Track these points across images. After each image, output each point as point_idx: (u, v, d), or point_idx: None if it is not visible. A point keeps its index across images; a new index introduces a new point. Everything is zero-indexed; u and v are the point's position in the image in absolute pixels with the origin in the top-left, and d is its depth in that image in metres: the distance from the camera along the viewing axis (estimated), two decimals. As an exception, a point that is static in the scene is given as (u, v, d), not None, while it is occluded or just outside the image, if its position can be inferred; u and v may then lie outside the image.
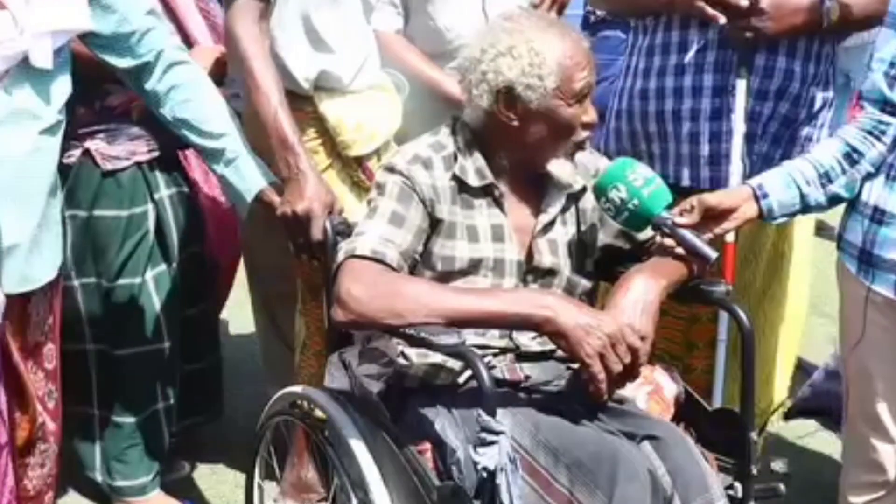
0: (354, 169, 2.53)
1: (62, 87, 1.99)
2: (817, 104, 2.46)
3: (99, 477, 2.79)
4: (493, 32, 1.95)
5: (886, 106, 2.04)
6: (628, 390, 1.93)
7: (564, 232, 2.04)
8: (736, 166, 2.42)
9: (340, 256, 1.90)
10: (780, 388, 2.84)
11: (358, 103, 2.52)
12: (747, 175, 2.38)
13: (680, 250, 1.97)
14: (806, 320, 2.96)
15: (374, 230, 1.90)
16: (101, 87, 2.56)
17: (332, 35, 2.45)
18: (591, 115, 1.96)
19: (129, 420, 2.74)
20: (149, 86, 2.16)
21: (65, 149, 2.25)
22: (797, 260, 2.64)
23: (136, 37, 2.10)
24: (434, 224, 1.95)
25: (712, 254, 1.94)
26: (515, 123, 1.94)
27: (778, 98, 2.41)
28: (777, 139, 2.44)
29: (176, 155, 2.75)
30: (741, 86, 2.39)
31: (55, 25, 1.90)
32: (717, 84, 2.41)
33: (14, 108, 1.90)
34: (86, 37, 2.04)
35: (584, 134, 1.97)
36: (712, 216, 2.01)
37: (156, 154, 2.68)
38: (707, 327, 2.56)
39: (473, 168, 1.97)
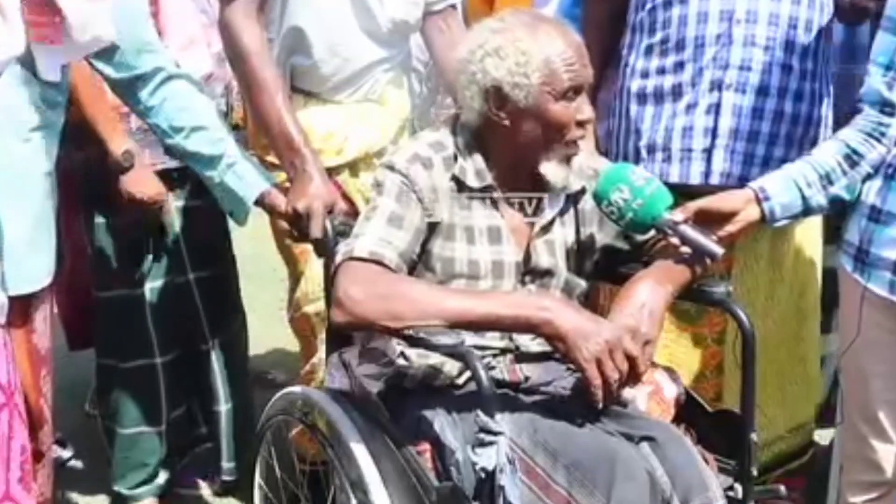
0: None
1: (61, 89, 1.99)
2: (817, 101, 2.46)
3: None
4: (482, 33, 1.94)
5: (885, 107, 2.04)
6: (628, 392, 1.93)
7: (563, 233, 2.04)
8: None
9: (338, 258, 1.90)
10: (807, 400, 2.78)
11: (335, 114, 2.48)
12: (738, 175, 2.38)
13: (685, 249, 1.95)
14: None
15: (373, 231, 1.90)
16: None
17: (314, 42, 2.40)
18: (585, 112, 1.93)
19: (128, 431, 2.77)
20: (143, 98, 2.15)
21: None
22: (805, 263, 2.63)
23: (133, 51, 2.09)
24: (432, 225, 1.95)
25: (719, 250, 1.93)
26: (507, 123, 1.93)
27: (780, 96, 2.41)
28: (786, 139, 2.43)
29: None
30: None
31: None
32: (714, 78, 2.41)
33: (9, 106, 1.89)
34: None
35: (578, 132, 1.94)
36: (715, 219, 2.01)
37: (161, 167, 2.65)
38: (713, 350, 2.55)
39: (473, 170, 1.97)
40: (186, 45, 2.62)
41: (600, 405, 1.79)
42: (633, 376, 1.79)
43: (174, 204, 2.71)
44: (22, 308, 2.00)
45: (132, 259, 2.69)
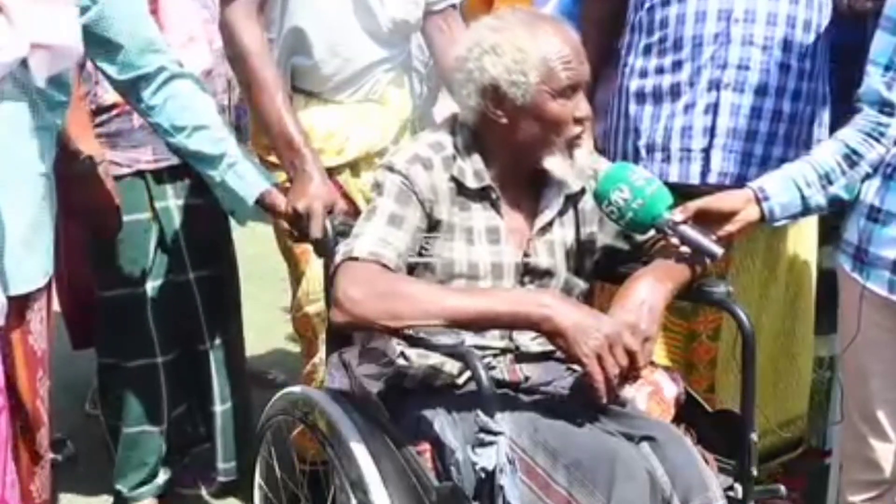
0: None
1: (63, 90, 1.99)
2: (815, 101, 2.46)
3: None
4: (480, 31, 1.94)
5: (884, 107, 2.05)
6: (628, 391, 1.93)
7: (562, 233, 2.04)
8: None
9: (338, 258, 1.90)
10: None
11: (336, 114, 2.48)
12: (736, 174, 2.38)
13: (684, 249, 1.96)
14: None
15: (372, 231, 1.90)
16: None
17: (315, 42, 2.40)
18: (583, 109, 1.93)
19: (131, 430, 2.76)
20: (145, 97, 2.15)
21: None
22: (800, 262, 2.63)
23: (137, 50, 2.09)
24: (433, 225, 1.95)
25: (718, 250, 1.93)
26: (504, 121, 1.93)
27: (778, 95, 2.41)
28: (784, 138, 2.43)
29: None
30: None
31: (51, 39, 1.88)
32: (713, 77, 2.41)
33: (8, 108, 1.89)
34: (87, 48, 2.03)
35: (577, 129, 1.94)
36: (714, 219, 2.02)
37: (164, 164, 2.66)
38: (707, 346, 2.56)
39: (472, 170, 1.97)
40: (186, 43, 2.62)
41: (604, 400, 1.79)
42: (632, 372, 1.79)
43: (175, 203, 2.71)
44: (19, 309, 1.99)
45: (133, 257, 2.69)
